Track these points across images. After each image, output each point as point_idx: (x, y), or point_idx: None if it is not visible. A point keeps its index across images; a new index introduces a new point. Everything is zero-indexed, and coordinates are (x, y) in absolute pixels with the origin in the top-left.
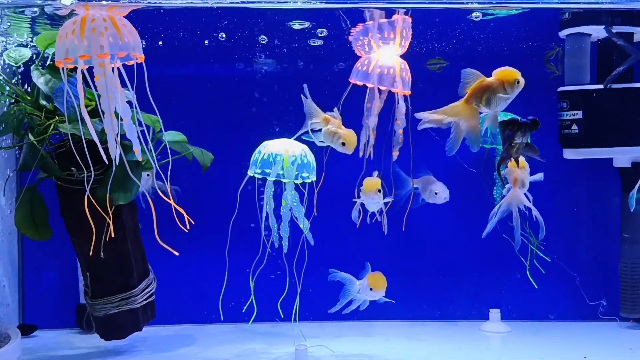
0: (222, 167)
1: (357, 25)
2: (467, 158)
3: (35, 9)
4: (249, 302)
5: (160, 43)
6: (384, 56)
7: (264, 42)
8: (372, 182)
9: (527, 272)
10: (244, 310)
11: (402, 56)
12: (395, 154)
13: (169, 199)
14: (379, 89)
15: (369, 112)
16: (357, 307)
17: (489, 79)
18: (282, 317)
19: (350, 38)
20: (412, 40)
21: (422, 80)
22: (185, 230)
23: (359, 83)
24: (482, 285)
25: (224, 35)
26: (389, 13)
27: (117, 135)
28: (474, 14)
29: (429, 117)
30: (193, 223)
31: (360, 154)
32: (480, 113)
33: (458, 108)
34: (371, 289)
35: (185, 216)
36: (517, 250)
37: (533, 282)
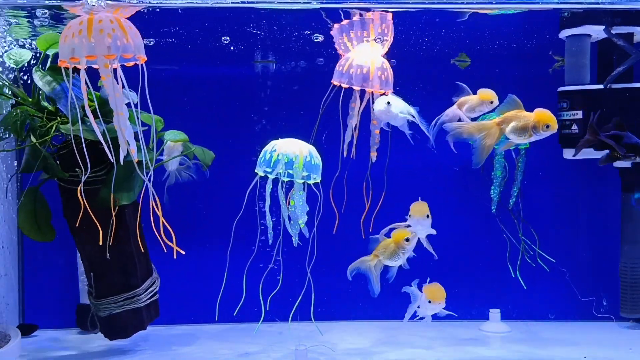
0: (223, 166)
1: (334, 25)
2: (465, 158)
3: (45, 10)
4: (241, 302)
5: (158, 43)
6: (359, 55)
7: (264, 42)
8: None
9: (517, 272)
10: (235, 314)
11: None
12: (374, 155)
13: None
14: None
15: (352, 112)
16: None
17: (527, 113)
18: (268, 309)
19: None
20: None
21: (421, 80)
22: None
23: (344, 84)
24: (482, 285)
25: (227, 38)
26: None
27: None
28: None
29: (457, 129)
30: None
31: (345, 153)
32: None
33: (489, 125)
34: (430, 302)
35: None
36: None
37: (522, 282)
